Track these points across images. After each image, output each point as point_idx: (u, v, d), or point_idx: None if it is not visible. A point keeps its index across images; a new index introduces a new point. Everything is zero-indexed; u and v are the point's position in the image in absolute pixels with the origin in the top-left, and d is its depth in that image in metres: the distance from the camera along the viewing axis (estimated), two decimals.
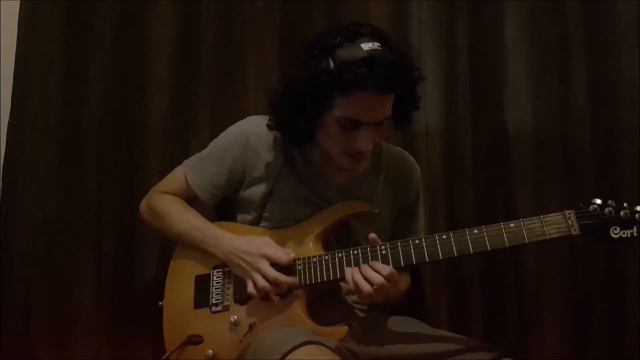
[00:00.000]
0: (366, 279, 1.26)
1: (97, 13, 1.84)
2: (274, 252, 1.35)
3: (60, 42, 1.82)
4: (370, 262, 1.29)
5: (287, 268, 1.37)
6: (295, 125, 1.36)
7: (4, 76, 1.82)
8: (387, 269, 1.26)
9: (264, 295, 1.34)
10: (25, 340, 1.74)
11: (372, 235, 1.32)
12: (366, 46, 1.26)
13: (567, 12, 1.81)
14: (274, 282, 1.32)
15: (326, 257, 1.36)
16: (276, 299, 1.35)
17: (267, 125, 1.43)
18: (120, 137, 1.83)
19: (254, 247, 1.36)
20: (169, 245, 1.61)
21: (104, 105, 1.83)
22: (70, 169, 1.81)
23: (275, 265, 1.35)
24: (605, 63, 1.79)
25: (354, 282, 1.27)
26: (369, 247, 1.33)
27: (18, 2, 1.83)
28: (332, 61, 1.27)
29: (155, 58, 1.84)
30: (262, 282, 1.32)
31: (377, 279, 1.25)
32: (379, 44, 1.27)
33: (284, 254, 1.34)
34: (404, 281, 1.51)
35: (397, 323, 1.47)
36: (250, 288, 1.34)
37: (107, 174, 1.82)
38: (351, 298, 1.47)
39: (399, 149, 1.59)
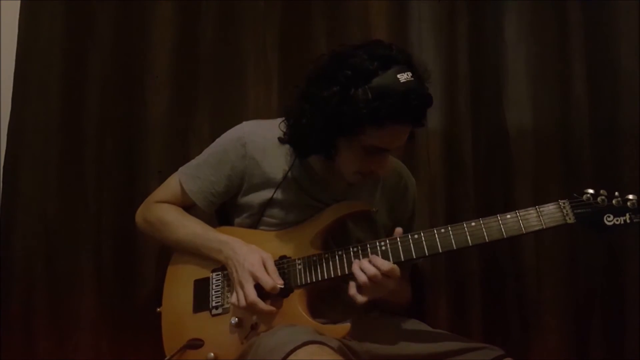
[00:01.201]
0: (362, 269, 1.28)
1: (97, 13, 1.84)
2: (263, 274, 1.33)
3: (60, 42, 1.82)
4: (371, 257, 1.30)
5: (285, 268, 1.38)
6: (313, 144, 1.35)
7: (4, 76, 1.82)
8: (385, 265, 1.27)
9: (265, 294, 1.34)
10: (25, 340, 1.74)
11: (399, 230, 1.35)
12: (402, 77, 1.24)
13: (567, 12, 1.81)
14: (251, 305, 1.31)
15: (326, 255, 1.37)
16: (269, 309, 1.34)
17: (279, 139, 1.42)
18: (120, 137, 1.83)
19: (248, 262, 1.35)
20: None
21: (104, 105, 1.83)
22: (70, 169, 1.81)
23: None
24: (605, 63, 1.79)
25: (354, 273, 1.29)
26: (369, 244, 1.34)
27: (18, 2, 1.83)
28: (370, 91, 1.24)
29: (155, 58, 1.84)
30: (242, 300, 1.32)
31: (371, 270, 1.27)
32: (411, 74, 1.26)
33: (270, 280, 1.32)
34: (404, 292, 1.51)
35: (398, 323, 1.47)
36: (233, 299, 1.35)
37: (107, 174, 1.82)
38: None
39: (396, 160, 1.59)
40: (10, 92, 1.81)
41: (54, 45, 1.82)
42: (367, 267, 1.28)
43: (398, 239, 1.33)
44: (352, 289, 1.30)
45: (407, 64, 1.28)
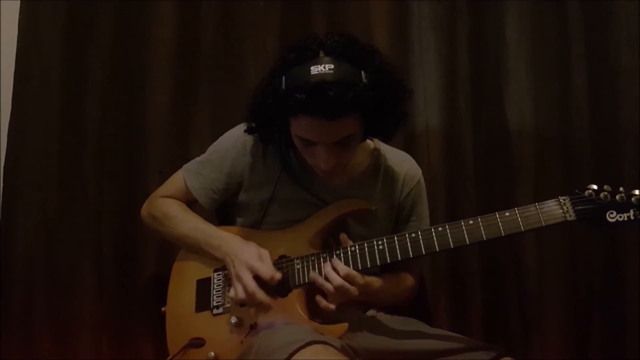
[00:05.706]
0: (326, 277, 1.29)
1: (97, 13, 1.84)
2: (259, 265, 1.33)
3: (60, 42, 1.82)
4: (332, 261, 1.31)
5: (284, 268, 1.38)
6: (263, 135, 1.39)
7: (4, 76, 1.82)
8: (344, 270, 1.28)
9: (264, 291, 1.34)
10: (25, 340, 1.74)
11: (343, 236, 1.35)
12: (315, 69, 1.21)
13: (567, 12, 1.81)
14: (250, 295, 1.31)
15: (324, 254, 1.36)
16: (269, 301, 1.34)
17: (245, 130, 1.43)
18: (120, 137, 1.83)
19: (244, 255, 1.35)
20: (169, 244, 1.61)
21: (104, 105, 1.83)
22: (70, 169, 1.81)
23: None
24: (605, 62, 1.79)
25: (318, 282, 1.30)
26: (366, 243, 1.34)
27: (18, 2, 1.83)
28: (284, 82, 1.25)
29: (155, 58, 1.84)
30: (240, 292, 1.32)
31: (336, 279, 1.28)
32: (331, 67, 1.21)
33: (268, 269, 1.32)
34: (395, 284, 1.50)
35: (397, 322, 1.47)
36: (232, 293, 1.35)
37: (107, 174, 1.82)
38: None
39: (404, 153, 1.59)
40: (11, 92, 1.81)
41: (54, 45, 1.82)
42: (331, 275, 1.29)
43: (395, 237, 1.33)
44: (323, 301, 1.31)
45: (337, 56, 1.23)
